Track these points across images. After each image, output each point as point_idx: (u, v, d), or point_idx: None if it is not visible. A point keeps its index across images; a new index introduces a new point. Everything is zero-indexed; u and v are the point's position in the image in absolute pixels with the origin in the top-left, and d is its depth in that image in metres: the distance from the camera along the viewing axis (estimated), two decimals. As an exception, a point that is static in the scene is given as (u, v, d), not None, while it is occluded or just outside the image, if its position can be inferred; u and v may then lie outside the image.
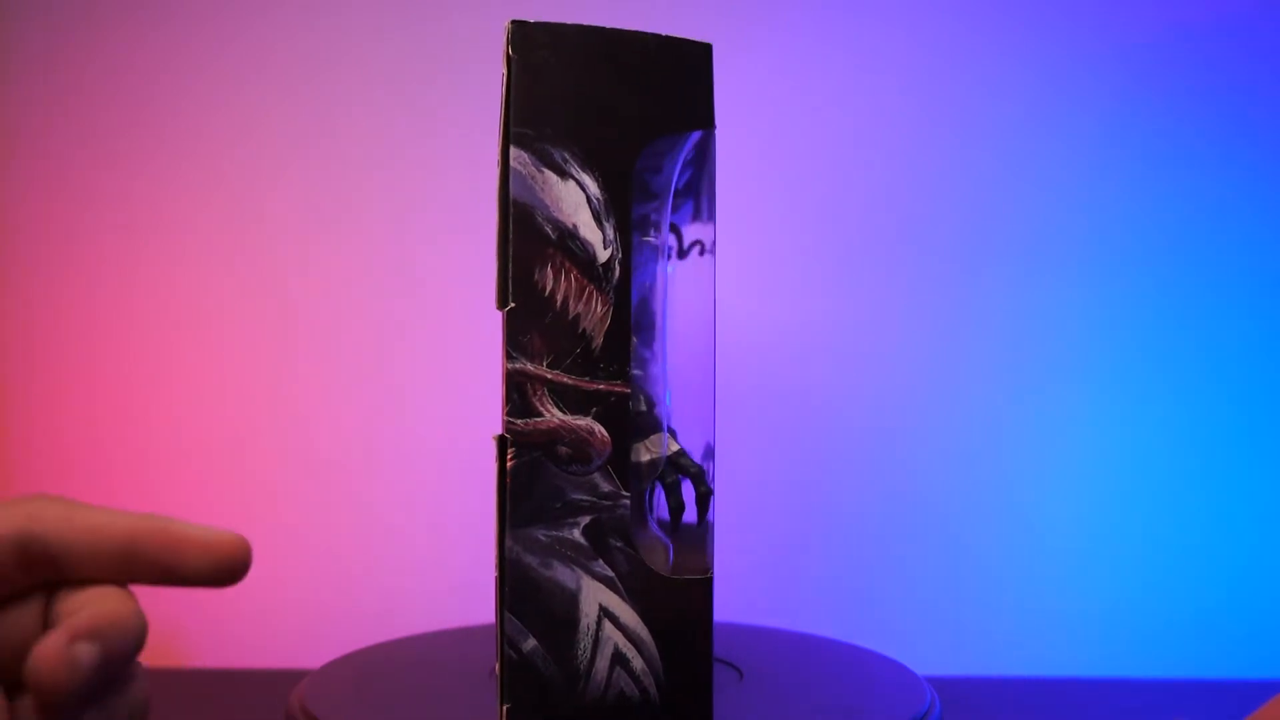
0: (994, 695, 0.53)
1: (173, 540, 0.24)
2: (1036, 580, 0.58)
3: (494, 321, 0.59)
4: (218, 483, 0.61)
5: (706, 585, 0.34)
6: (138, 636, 0.24)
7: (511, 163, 0.32)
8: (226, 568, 0.25)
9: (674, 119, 0.34)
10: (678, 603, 0.33)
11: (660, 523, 0.37)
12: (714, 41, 0.36)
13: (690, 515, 0.37)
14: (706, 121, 0.35)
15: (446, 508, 0.59)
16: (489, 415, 0.56)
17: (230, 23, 0.61)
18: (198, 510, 0.61)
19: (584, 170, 0.33)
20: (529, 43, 0.32)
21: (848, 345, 0.59)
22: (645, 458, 0.36)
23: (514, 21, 0.32)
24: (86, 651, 0.21)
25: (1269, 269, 0.58)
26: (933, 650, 0.57)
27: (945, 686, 0.48)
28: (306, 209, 0.61)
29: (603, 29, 0.34)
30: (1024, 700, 0.52)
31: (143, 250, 0.61)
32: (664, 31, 0.35)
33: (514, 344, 0.32)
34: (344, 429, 0.60)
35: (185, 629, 0.60)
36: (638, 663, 0.33)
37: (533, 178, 0.32)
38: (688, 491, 0.37)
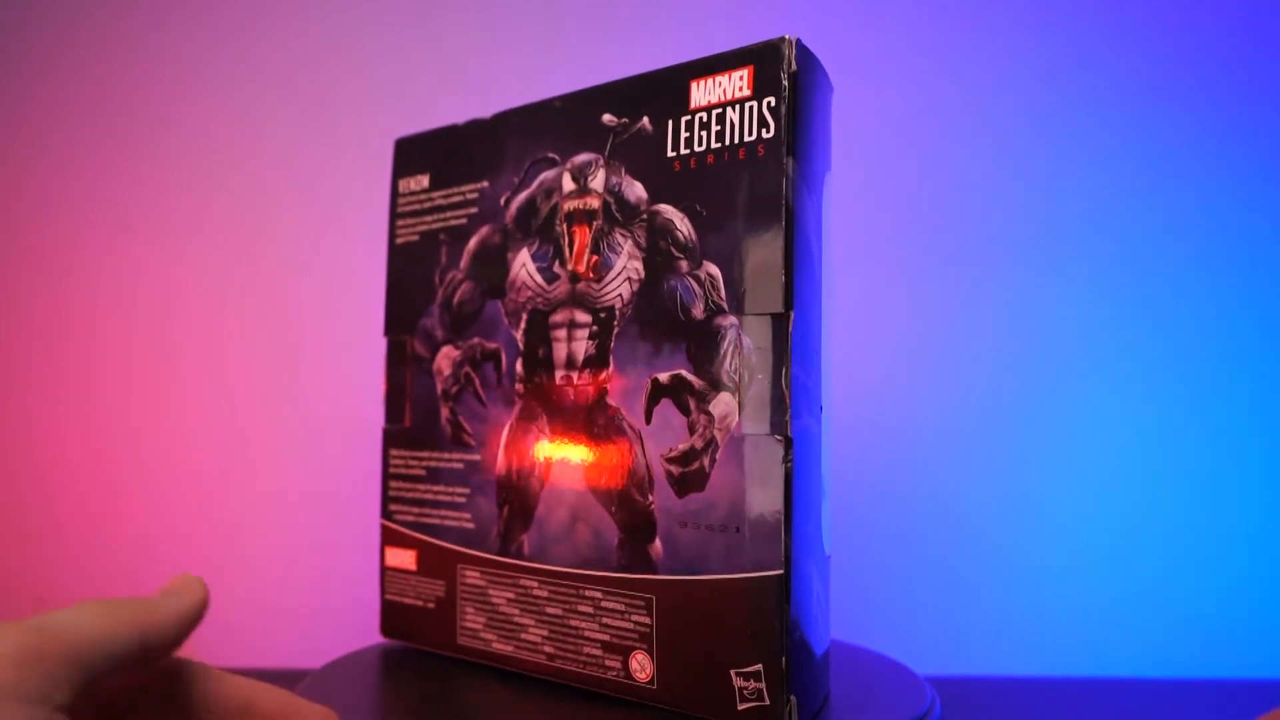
0: (994, 695, 0.53)
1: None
2: (1037, 581, 0.58)
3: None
4: (219, 484, 0.61)
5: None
6: None
7: (793, 174, 0.33)
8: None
9: (825, 159, 0.36)
10: (823, 575, 0.36)
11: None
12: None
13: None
14: (828, 163, 0.37)
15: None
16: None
17: (230, 23, 0.61)
18: (199, 511, 0.61)
19: (816, 193, 0.34)
20: (803, 62, 0.34)
21: (849, 344, 0.59)
22: None
23: (798, 41, 0.33)
24: None
25: (1277, 266, 0.58)
26: (933, 650, 0.57)
27: (945, 686, 0.48)
28: (307, 209, 0.61)
29: (819, 63, 0.35)
30: (1024, 700, 0.52)
31: (143, 250, 0.61)
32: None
33: (797, 350, 0.33)
34: (344, 430, 0.60)
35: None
36: (820, 627, 0.36)
37: (801, 190, 0.33)
38: None
